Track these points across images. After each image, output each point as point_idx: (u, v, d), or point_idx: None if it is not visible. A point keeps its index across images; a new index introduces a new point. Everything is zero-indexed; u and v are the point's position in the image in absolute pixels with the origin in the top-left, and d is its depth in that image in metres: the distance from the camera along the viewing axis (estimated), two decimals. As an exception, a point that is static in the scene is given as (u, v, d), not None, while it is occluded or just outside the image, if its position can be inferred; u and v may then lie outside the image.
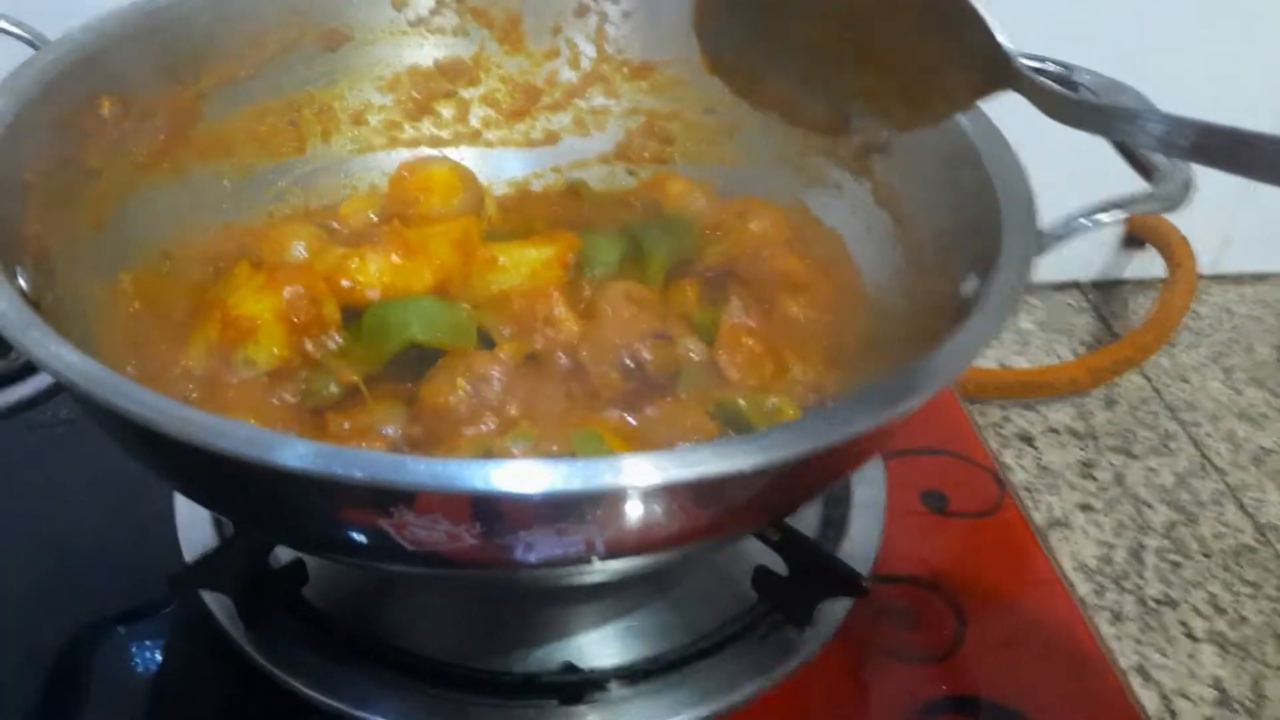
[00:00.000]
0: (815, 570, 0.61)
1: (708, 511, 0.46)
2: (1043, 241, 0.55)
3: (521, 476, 0.40)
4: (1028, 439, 0.99)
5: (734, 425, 0.59)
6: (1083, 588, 0.82)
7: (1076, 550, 0.85)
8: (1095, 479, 0.92)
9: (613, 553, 0.47)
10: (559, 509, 0.42)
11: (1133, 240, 1.26)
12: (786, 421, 0.56)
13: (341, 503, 0.43)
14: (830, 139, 0.60)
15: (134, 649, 0.62)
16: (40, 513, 0.69)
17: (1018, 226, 0.55)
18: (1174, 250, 1.17)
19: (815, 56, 0.55)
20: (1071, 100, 0.49)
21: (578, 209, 0.77)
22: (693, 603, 0.64)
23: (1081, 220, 0.57)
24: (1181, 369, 1.10)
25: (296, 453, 0.39)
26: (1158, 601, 0.83)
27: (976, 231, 0.58)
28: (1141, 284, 1.21)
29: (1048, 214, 0.56)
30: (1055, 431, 0.98)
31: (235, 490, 0.47)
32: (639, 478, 0.40)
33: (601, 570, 0.50)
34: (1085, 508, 0.88)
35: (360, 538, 0.46)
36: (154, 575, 0.63)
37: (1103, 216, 0.57)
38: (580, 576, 0.52)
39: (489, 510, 0.42)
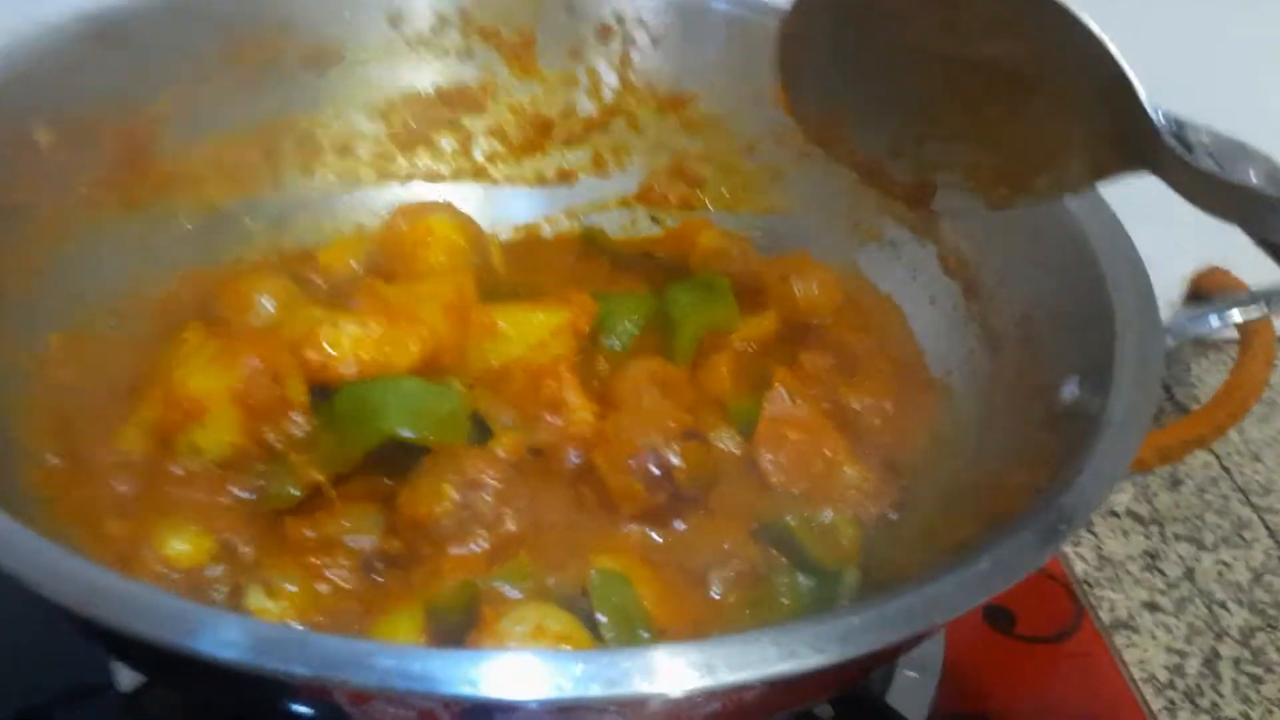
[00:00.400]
0: (863, 717, 0.51)
1: (756, 698, 0.36)
2: (1168, 345, 0.46)
3: (519, 678, 0.30)
4: (1086, 523, 0.90)
5: (781, 548, 0.50)
6: (1152, 703, 0.73)
7: (1145, 659, 0.76)
8: (1163, 573, 0.83)
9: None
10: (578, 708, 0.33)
11: (1197, 296, 1.16)
12: (858, 604, 0.46)
13: (285, 693, 0.33)
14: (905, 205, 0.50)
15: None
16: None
17: (1137, 326, 0.46)
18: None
19: (916, 118, 0.47)
20: (1238, 191, 0.39)
21: (593, 260, 0.67)
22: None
23: (1212, 318, 0.47)
24: (1253, 446, 1.01)
25: (226, 639, 0.30)
26: (1237, 725, 0.74)
27: (1079, 324, 0.49)
28: (1202, 345, 1.11)
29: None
30: (1115, 515, 0.88)
31: (165, 669, 0.37)
32: (675, 683, 0.31)
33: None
34: (1152, 606, 0.79)
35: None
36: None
37: (1234, 313, 0.48)
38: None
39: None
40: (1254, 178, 0.52)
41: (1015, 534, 0.36)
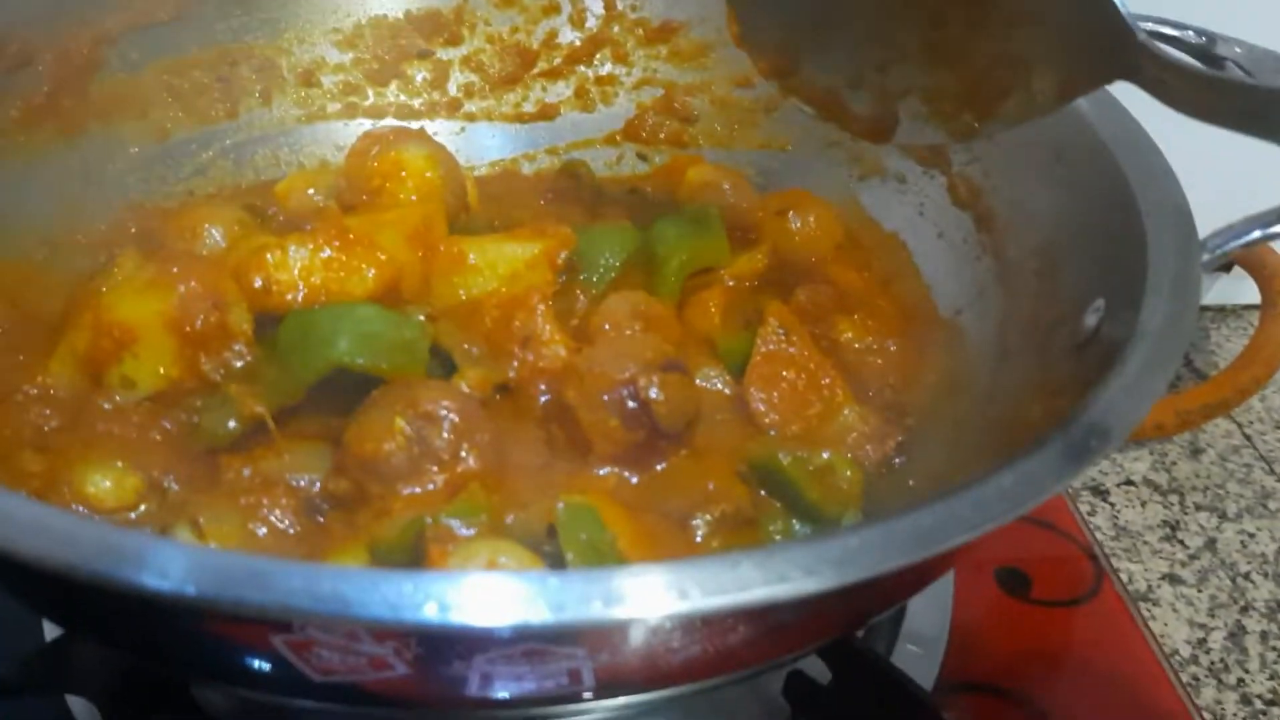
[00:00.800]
0: (865, 679, 0.47)
1: (741, 640, 0.31)
2: (1208, 259, 0.41)
3: (481, 603, 0.26)
4: (1101, 492, 0.84)
5: (771, 490, 0.45)
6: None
7: (1166, 633, 0.71)
8: (1183, 544, 0.78)
9: (609, 688, 0.33)
10: (532, 638, 0.28)
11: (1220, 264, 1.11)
12: (859, 523, 0.42)
13: (226, 625, 0.29)
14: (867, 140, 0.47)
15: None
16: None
17: (1171, 239, 0.41)
18: (1273, 276, 1.03)
19: (875, 41, 0.44)
20: (1226, 86, 0.36)
21: (576, 198, 0.63)
22: (709, 713, 0.49)
23: (1257, 232, 0.43)
24: (1277, 414, 0.96)
25: (164, 570, 0.25)
26: (1266, 701, 0.69)
27: (1105, 245, 0.45)
28: (1223, 311, 1.06)
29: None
30: (1133, 484, 0.83)
31: (92, 612, 0.33)
32: (648, 607, 0.26)
33: (593, 709, 0.36)
34: (1173, 579, 0.74)
35: (253, 664, 0.32)
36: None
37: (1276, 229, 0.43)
38: (566, 716, 0.38)
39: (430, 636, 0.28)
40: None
41: (1042, 450, 0.32)
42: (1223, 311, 1.07)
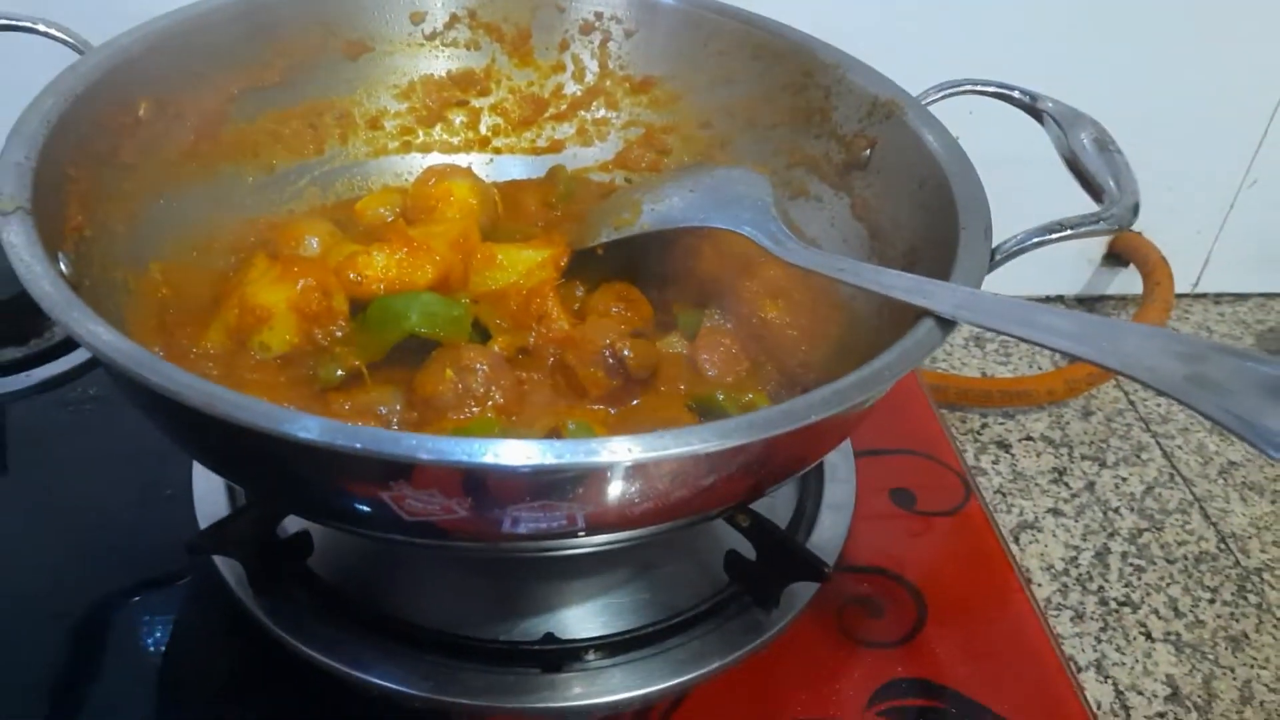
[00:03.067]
0: (782, 556, 0.66)
1: (680, 490, 0.50)
2: (994, 259, 0.60)
3: (507, 453, 0.45)
4: (1005, 445, 1.03)
5: (711, 417, 0.64)
6: (1048, 587, 0.86)
7: (1045, 552, 0.89)
8: (1067, 485, 0.96)
9: (594, 528, 0.51)
10: (542, 484, 0.47)
11: (1115, 258, 1.31)
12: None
13: (346, 475, 0.48)
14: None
15: (152, 612, 0.67)
16: (69, 482, 0.74)
17: (973, 245, 0.60)
18: (1153, 269, 1.21)
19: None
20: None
21: (554, 189, 0.81)
22: (668, 583, 0.68)
23: (1033, 239, 0.61)
24: (1156, 383, 1.15)
25: (306, 426, 0.44)
26: (1119, 603, 0.87)
27: (940, 248, 0.63)
28: (1124, 300, 1.25)
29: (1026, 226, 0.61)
30: (1031, 439, 1.01)
31: (251, 460, 0.52)
32: (615, 455, 0.45)
33: (584, 544, 0.55)
34: (1055, 512, 0.92)
35: (364, 508, 0.51)
36: (172, 545, 0.67)
37: (1051, 236, 0.62)
38: (564, 550, 0.56)
39: (478, 484, 0.47)
40: (1085, 141, 0.68)
41: (856, 377, 0.51)
42: (1123, 300, 1.26)
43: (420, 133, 0.83)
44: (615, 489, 0.48)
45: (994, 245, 0.60)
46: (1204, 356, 0.47)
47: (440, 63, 0.82)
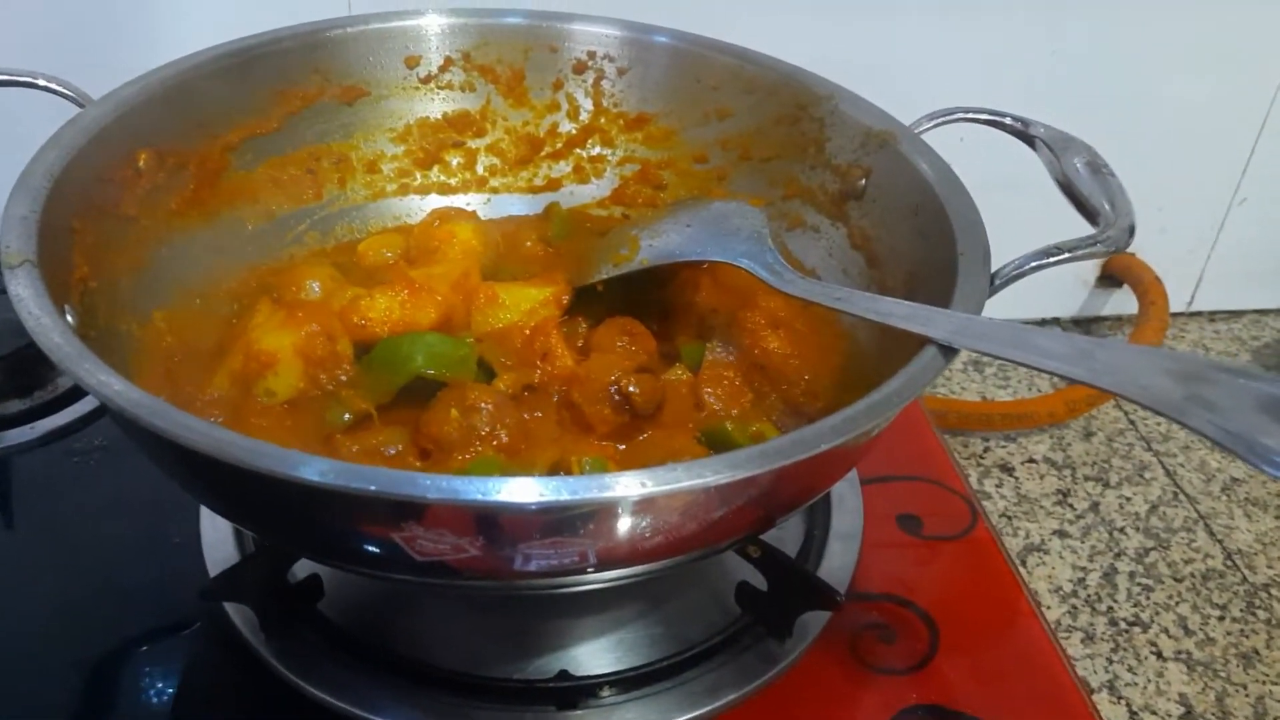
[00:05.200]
0: (793, 585, 0.66)
1: (692, 523, 0.50)
2: (994, 284, 0.61)
3: (519, 491, 0.45)
4: (1008, 468, 1.03)
5: (717, 447, 0.64)
6: (1057, 610, 0.86)
7: (1052, 574, 0.90)
8: (1072, 507, 0.96)
9: (606, 563, 0.51)
10: (554, 520, 0.47)
11: (1109, 279, 1.32)
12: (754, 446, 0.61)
13: (358, 516, 0.48)
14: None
15: (163, 659, 0.67)
16: (76, 533, 0.74)
17: (972, 271, 0.60)
18: (1147, 289, 1.22)
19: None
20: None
21: (549, 226, 0.82)
22: (681, 616, 0.68)
23: (1031, 264, 0.62)
24: (1156, 402, 1.16)
25: (318, 469, 0.45)
26: (1129, 623, 0.87)
27: (939, 274, 0.63)
28: (1119, 320, 1.26)
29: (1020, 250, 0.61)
30: (1034, 461, 1.02)
31: (263, 504, 0.52)
32: (627, 490, 0.45)
33: (596, 580, 0.55)
34: (1061, 534, 0.92)
35: (375, 549, 0.51)
36: (182, 591, 0.68)
37: (1050, 260, 0.62)
38: (576, 586, 0.56)
39: (490, 523, 0.47)
40: (1078, 165, 0.68)
41: (863, 405, 0.51)
42: (1119, 320, 1.27)
43: (418, 175, 0.84)
44: (627, 524, 0.49)
45: (993, 270, 0.61)
46: (1198, 374, 0.48)
47: (436, 105, 0.83)
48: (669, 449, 0.63)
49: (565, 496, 0.45)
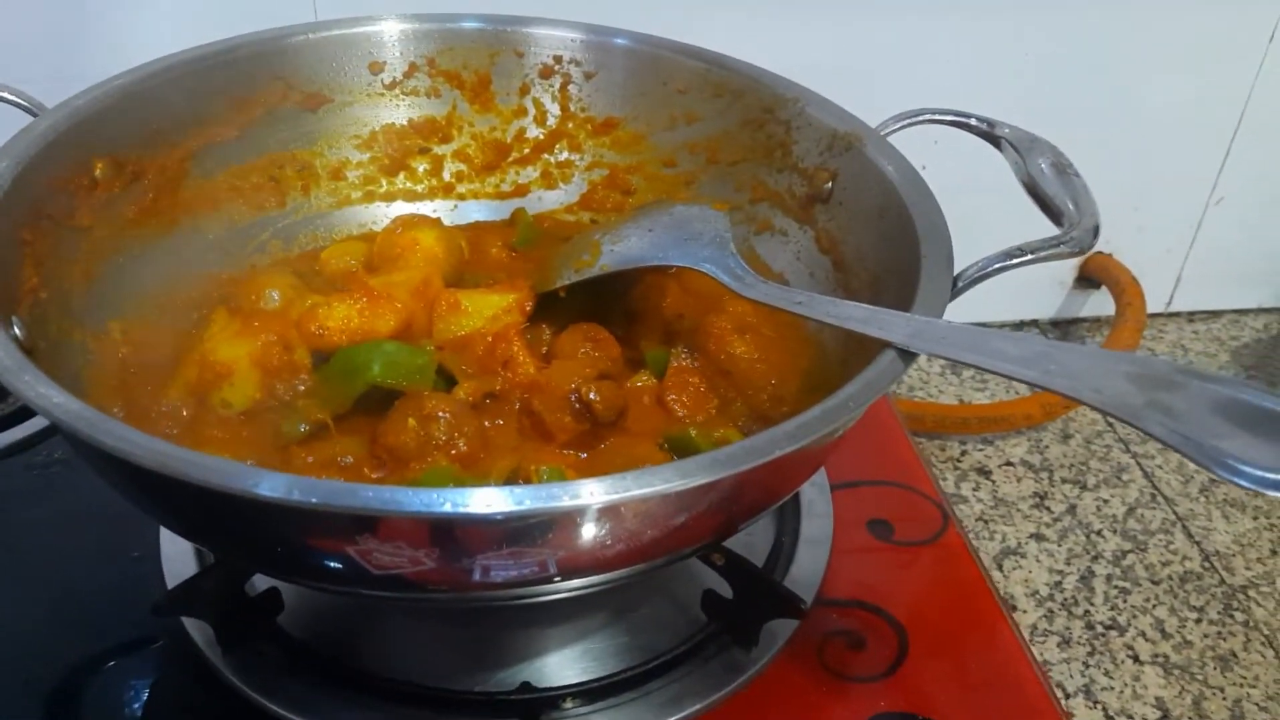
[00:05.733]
0: (758, 593, 0.65)
1: (651, 530, 0.50)
2: (957, 286, 0.60)
3: (472, 501, 0.44)
4: (985, 471, 1.02)
5: (682, 454, 0.63)
6: (1034, 613, 0.86)
7: (1029, 578, 0.89)
8: (1049, 509, 0.96)
9: (566, 573, 0.50)
10: (510, 531, 0.46)
11: (1087, 280, 1.31)
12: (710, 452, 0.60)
13: (310, 530, 0.47)
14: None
15: (122, 677, 0.66)
16: (35, 548, 0.73)
17: (934, 274, 0.60)
18: (1124, 290, 1.22)
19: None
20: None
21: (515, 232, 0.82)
22: (647, 625, 0.68)
23: (995, 265, 0.61)
24: (1133, 403, 1.15)
25: (265, 482, 0.44)
26: (1105, 626, 0.86)
27: (903, 277, 0.63)
28: (1098, 321, 1.26)
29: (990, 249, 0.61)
30: (1011, 464, 1.01)
31: (216, 520, 0.51)
32: (580, 499, 0.45)
33: (557, 590, 0.54)
34: (1038, 537, 0.92)
35: (331, 563, 0.50)
36: (140, 606, 0.66)
37: (1013, 261, 0.62)
38: (539, 597, 0.56)
39: (445, 534, 0.47)
40: (1043, 166, 0.68)
41: (822, 409, 0.50)
42: (1096, 322, 1.26)
43: (383, 181, 0.83)
44: (584, 532, 0.48)
45: (956, 273, 0.60)
46: (1159, 378, 0.47)
47: (401, 111, 0.82)
48: (631, 456, 0.62)
49: (517, 506, 0.44)
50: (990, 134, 0.70)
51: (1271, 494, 0.40)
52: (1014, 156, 0.68)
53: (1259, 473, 0.42)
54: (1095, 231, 0.62)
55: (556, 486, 0.45)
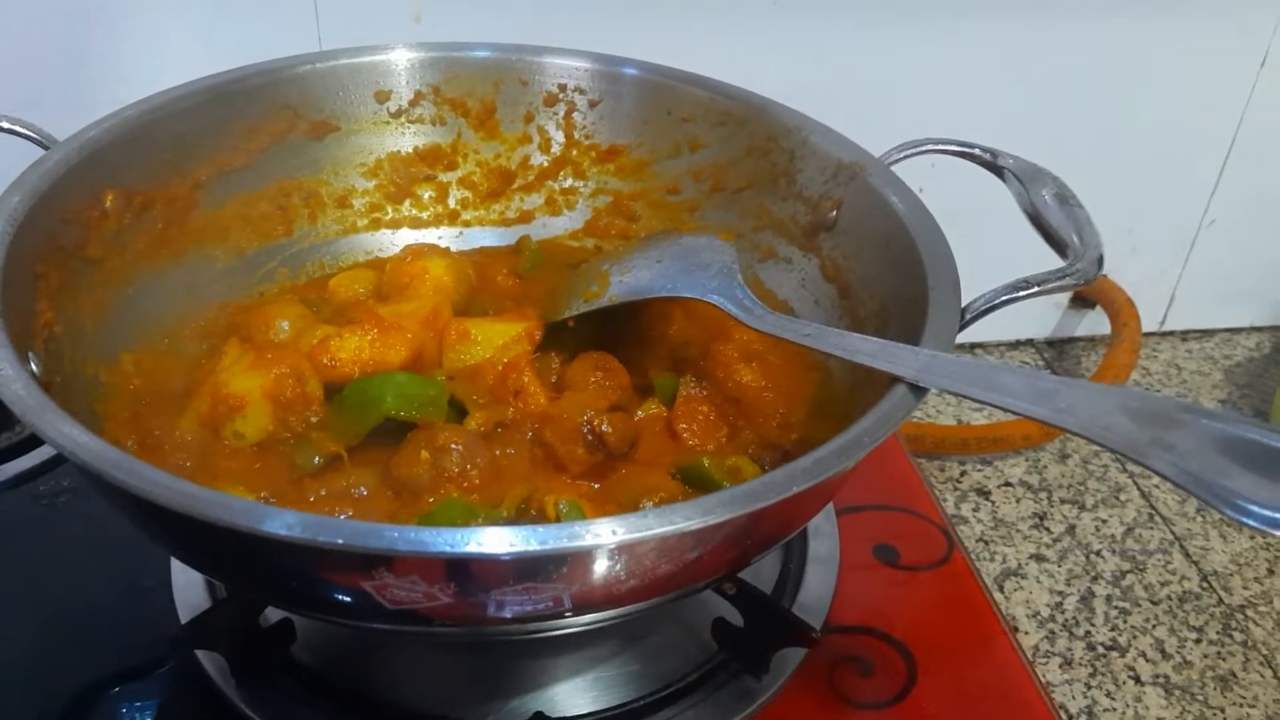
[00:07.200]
0: (769, 622, 0.66)
1: (665, 566, 0.50)
2: (965, 319, 0.61)
3: (489, 541, 0.44)
4: (984, 492, 1.03)
5: (694, 483, 0.63)
6: (1035, 635, 0.86)
7: (1030, 599, 0.90)
8: (1049, 530, 0.97)
9: (580, 608, 0.51)
10: (526, 568, 0.47)
11: (1082, 300, 1.32)
12: (731, 487, 0.60)
13: (326, 566, 0.48)
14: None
15: (133, 708, 0.66)
16: (44, 578, 0.73)
17: (942, 306, 0.60)
18: (1120, 310, 1.23)
19: None
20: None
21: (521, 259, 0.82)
22: (657, 654, 0.68)
23: (1002, 298, 0.62)
24: (1130, 423, 1.16)
25: (285, 522, 0.44)
26: (1106, 647, 0.87)
27: (910, 306, 0.63)
28: (1093, 341, 1.27)
29: (994, 280, 0.61)
30: (1010, 485, 1.02)
31: (231, 556, 0.51)
32: (598, 539, 0.45)
33: (571, 624, 0.54)
34: (1038, 558, 0.93)
35: (345, 598, 0.50)
36: (152, 637, 0.67)
37: (1019, 294, 0.62)
38: (552, 631, 0.56)
39: (461, 572, 0.47)
40: (1046, 197, 0.69)
41: (835, 444, 0.51)
42: (1092, 342, 1.27)
43: (389, 209, 0.84)
44: (600, 570, 0.48)
45: (964, 304, 0.61)
46: (1161, 415, 0.48)
47: (407, 139, 0.83)
48: (644, 486, 0.62)
49: (535, 546, 0.44)
50: (993, 164, 0.71)
51: (1278, 534, 0.41)
52: (1017, 187, 0.69)
53: (1268, 513, 0.43)
54: (1099, 263, 0.62)
55: (579, 526, 0.45)
